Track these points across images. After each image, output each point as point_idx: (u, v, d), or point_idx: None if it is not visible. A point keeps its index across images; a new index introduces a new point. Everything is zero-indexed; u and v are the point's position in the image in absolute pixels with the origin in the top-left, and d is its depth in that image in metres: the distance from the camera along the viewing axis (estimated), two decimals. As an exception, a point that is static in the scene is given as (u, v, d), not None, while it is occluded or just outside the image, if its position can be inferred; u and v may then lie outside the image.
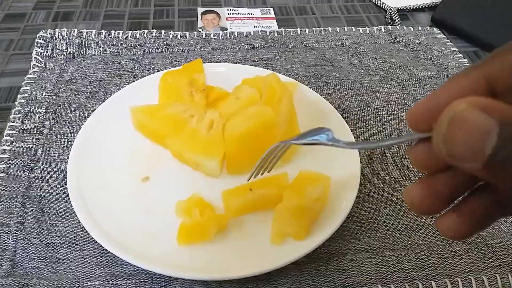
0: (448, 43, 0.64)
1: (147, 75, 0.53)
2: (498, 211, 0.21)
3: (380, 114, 0.52)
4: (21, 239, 0.37)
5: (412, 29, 0.65)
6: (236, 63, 0.57)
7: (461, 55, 0.62)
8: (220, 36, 0.61)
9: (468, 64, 0.60)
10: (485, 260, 0.39)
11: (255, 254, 0.36)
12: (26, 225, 0.38)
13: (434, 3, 0.73)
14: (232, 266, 0.35)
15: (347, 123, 0.46)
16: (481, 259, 0.39)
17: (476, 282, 0.37)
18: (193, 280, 0.35)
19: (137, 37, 0.59)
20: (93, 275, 0.36)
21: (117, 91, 0.49)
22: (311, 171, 0.40)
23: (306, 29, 0.64)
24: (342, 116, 0.47)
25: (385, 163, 0.46)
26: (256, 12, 0.69)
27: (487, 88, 0.20)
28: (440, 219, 0.22)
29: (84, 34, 0.59)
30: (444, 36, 0.65)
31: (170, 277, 0.35)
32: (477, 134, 0.16)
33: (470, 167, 0.16)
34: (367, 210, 0.42)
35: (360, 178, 0.40)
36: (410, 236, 0.40)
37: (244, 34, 0.62)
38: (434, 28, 0.66)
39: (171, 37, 0.60)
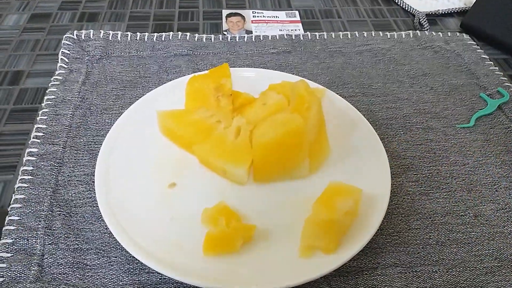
0: (478, 50, 0.62)
1: (173, 78, 0.53)
2: None
3: (409, 123, 0.51)
4: (49, 244, 0.37)
5: (441, 35, 0.64)
6: (262, 67, 0.56)
7: (491, 62, 0.60)
8: (245, 39, 0.61)
9: (499, 73, 0.58)
10: (519, 278, 0.38)
11: (283, 267, 0.35)
12: (53, 229, 0.38)
13: (464, 8, 0.71)
14: (260, 278, 0.34)
15: (376, 132, 0.45)
16: (514, 276, 0.38)
17: (510, 301, 0.36)
18: (220, 291, 0.35)
19: (163, 39, 0.59)
20: (120, 283, 0.35)
21: (142, 94, 0.49)
22: (341, 183, 0.39)
23: (333, 33, 0.63)
24: (370, 124, 0.46)
25: (415, 174, 0.45)
26: (281, 15, 0.68)
27: None
28: None
29: (110, 36, 0.59)
30: (474, 42, 0.63)
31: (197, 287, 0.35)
32: None
33: None
34: (397, 223, 0.41)
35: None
36: (441, 251, 0.39)
37: (270, 38, 0.61)
38: (463, 34, 0.65)
39: (196, 40, 0.59)
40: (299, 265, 0.35)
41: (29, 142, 0.45)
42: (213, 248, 0.36)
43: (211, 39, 0.60)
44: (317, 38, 0.62)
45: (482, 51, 0.62)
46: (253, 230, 0.37)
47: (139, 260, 0.34)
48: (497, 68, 0.59)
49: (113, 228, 0.36)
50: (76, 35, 0.58)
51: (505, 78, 0.57)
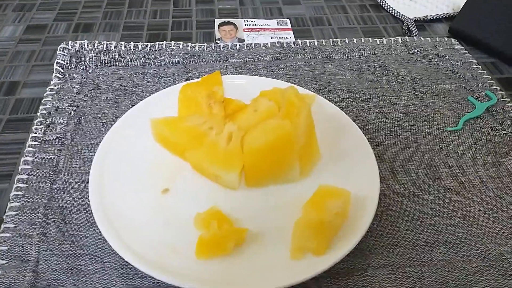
0: (466, 54, 0.63)
1: (166, 86, 0.54)
2: None
3: (398, 127, 0.52)
4: (43, 250, 0.38)
5: (429, 40, 0.65)
6: (253, 74, 0.57)
7: (479, 66, 0.61)
8: (237, 47, 0.62)
9: (487, 76, 0.59)
10: (507, 277, 0.38)
11: (274, 269, 0.36)
12: (48, 236, 0.39)
13: (452, 14, 0.72)
14: (252, 280, 0.35)
15: (365, 136, 0.46)
16: (502, 276, 0.38)
17: (498, 300, 0.37)
18: (212, 293, 0.35)
19: (156, 48, 0.60)
20: (114, 287, 0.36)
21: (136, 102, 0.50)
22: (331, 186, 0.40)
23: (323, 40, 0.64)
24: (360, 128, 0.47)
25: (404, 177, 0.46)
26: (273, 23, 0.69)
27: None
28: None
29: (105, 46, 0.60)
30: (462, 47, 0.65)
31: (190, 290, 0.35)
32: None
33: None
34: (386, 224, 0.42)
35: (379, 192, 0.40)
36: (430, 252, 0.40)
37: (261, 46, 0.62)
38: (452, 39, 0.66)
39: (189, 48, 0.61)
40: (290, 267, 0.36)
41: (25, 151, 0.46)
42: (206, 251, 0.36)
43: (203, 47, 0.61)
44: (308, 45, 0.63)
45: (470, 55, 0.63)
46: (245, 233, 0.38)
47: (132, 265, 0.35)
48: (485, 71, 0.60)
49: (106, 233, 0.36)
50: (71, 45, 0.59)
51: (493, 81, 0.59)
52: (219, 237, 0.37)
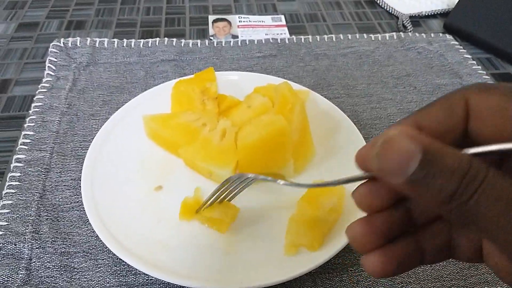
0: (461, 50, 0.63)
1: (159, 83, 0.53)
2: (418, 258, 0.23)
3: (393, 122, 0.51)
4: (36, 248, 0.38)
5: (424, 36, 0.65)
6: (248, 71, 0.57)
7: (474, 62, 0.61)
8: (231, 44, 0.61)
9: (481, 72, 0.59)
10: (501, 271, 0.38)
11: (269, 265, 0.35)
12: (41, 233, 0.39)
13: (447, 10, 0.72)
14: (246, 277, 0.34)
15: (360, 132, 0.46)
16: (497, 270, 0.38)
17: (493, 294, 0.37)
18: (206, 290, 0.35)
19: (149, 45, 0.60)
20: (107, 285, 0.36)
21: (129, 99, 0.50)
22: (325, 181, 0.39)
23: (318, 37, 0.64)
24: (354, 124, 0.47)
25: (399, 172, 0.46)
26: (267, 19, 0.69)
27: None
28: (367, 256, 0.22)
29: (97, 43, 0.59)
30: (457, 42, 0.65)
31: (184, 287, 0.35)
32: (403, 155, 0.18)
33: (395, 181, 0.19)
34: (381, 219, 0.41)
35: (374, 187, 0.40)
36: (425, 247, 0.40)
37: (255, 42, 0.62)
38: (446, 34, 0.66)
39: (182, 45, 0.60)
40: (284, 263, 0.36)
41: (17, 149, 0.46)
42: (189, 213, 0.39)
43: (197, 44, 0.61)
44: (302, 41, 0.63)
45: (465, 50, 0.63)
46: (236, 212, 0.39)
47: (125, 262, 0.35)
48: (479, 67, 0.60)
49: (99, 230, 0.36)
50: (63, 43, 0.59)
51: (488, 77, 0.59)
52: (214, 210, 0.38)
